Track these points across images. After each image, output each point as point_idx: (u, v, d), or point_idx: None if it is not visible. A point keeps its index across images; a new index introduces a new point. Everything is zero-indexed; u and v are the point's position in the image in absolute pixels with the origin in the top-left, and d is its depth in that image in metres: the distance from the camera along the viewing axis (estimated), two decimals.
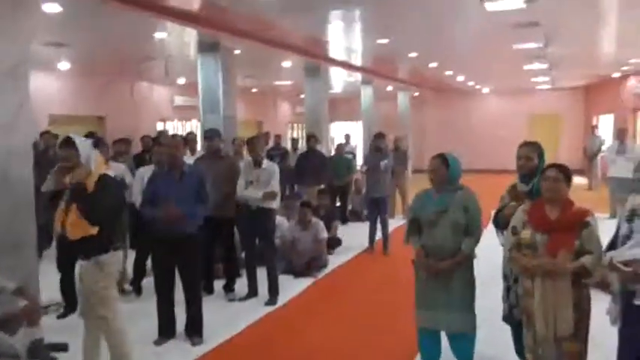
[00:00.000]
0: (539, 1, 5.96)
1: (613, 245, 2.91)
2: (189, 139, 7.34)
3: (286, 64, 11.15)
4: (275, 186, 5.46)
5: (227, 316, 5.18)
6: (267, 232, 5.62)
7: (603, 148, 13.66)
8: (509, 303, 3.56)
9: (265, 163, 5.55)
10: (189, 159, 5.89)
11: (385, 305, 5.52)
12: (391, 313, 5.20)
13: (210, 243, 5.59)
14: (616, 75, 15.35)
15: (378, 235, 7.75)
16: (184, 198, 4.29)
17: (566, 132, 19.29)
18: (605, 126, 17.08)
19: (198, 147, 7.74)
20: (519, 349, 3.46)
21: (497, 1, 6.10)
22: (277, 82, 15.39)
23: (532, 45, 9.30)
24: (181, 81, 13.91)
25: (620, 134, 10.48)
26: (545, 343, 3.05)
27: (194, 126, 14.77)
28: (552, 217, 3.05)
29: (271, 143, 11.19)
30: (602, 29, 8.78)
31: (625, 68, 13.92)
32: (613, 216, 9.30)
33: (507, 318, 3.63)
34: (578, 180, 13.63)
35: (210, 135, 5.82)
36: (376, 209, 7.72)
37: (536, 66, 12.37)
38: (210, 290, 5.79)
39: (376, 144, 7.96)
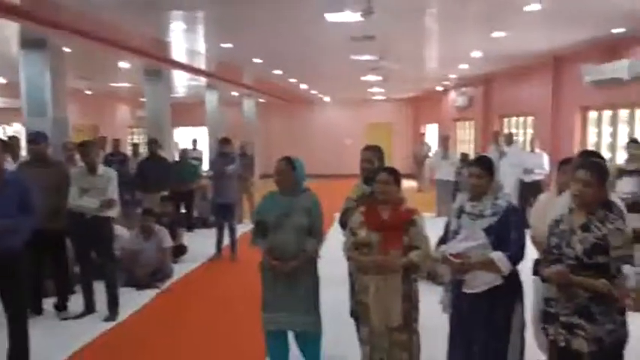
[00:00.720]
0: (373, 16, 6.37)
1: (444, 240, 3.21)
2: (10, 144, 6.57)
3: (124, 65, 10.54)
4: (113, 193, 5.11)
5: (60, 337, 4.72)
6: (105, 243, 5.24)
7: (430, 154, 15.10)
8: (354, 299, 3.74)
9: (101, 169, 5.18)
10: (11, 166, 5.27)
11: (233, 311, 5.46)
12: (239, 319, 5.17)
13: (38, 259, 5.06)
14: (439, 88, 17.06)
15: (226, 241, 7.66)
16: (5, 210, 3.78)
17: (399, 140, 20.93)
18: (432, 134, 18.90)
19: (23, 153, 6.96)
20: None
21: (336, 12, 6.40)
22: (115, 84, 14.48)
23: (368, 57, 9.93)
24: (0, 80, 12.41)
25: (444, 142, 11.70)
26: (379, 334, 3.26)
27: (17, 130, 13.26)
28: (384, 217, 3.28)
29: (109, 148, 10.48)
30: (427, 47, 9.70)
31: (446, 83, 15.54)
32: (439, 215, 10.30)
33: (354, 313, 3.81)
34: (409, 183, 14.88)
35: (34, 139, 5.23)
36: (223, 215, 7.63)
37: (372, 77, 13.23)
38: (38, 311, 5.23)
39: (222, 149, 7.88)
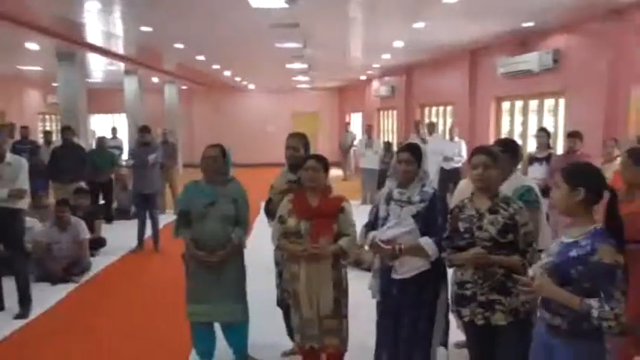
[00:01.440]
0: (298, 2, 6.34)
1: (373, 226, 3.25)
2: None
3: (32, 46, 9.85)
4: (23, 183, 4.79)
5: None
6: (15, 236, 4.90)
7: (355, 142, 15.34)
8: (281, 288, 3.73)
9: (10, 157, 4.83)
10: None
11: (156, 304, 5.31)
12: (163, 312, 5.03)
13: None
14: (363, 78, 17.32)
15: (148, 232, 7.44)
16: None
17: (325, 129, 21.09)
18: (356, 123, 19.19)
19: None
20: (291, 331, 3.65)
21: None
22: (23, 67, 13.52)
23: (292, 45, 9.89)
24: None
25: (368, 131, 11.91)
26: (309, 322, 3.28)
27: None
28: (313, 205, 3.28)
29: (18, 136, 9.82)
30: (351, 36, 9.80)
31: (370, 72, 15.80)
32: (364, 202, 10.51)
33: (280, 303, 3.80)
34: (335, 172, 15.05)
35: None
36: (145, 205, 7.40)
37: (297, 66, 13.20)
38: None
39: (142, 138, 7.61)
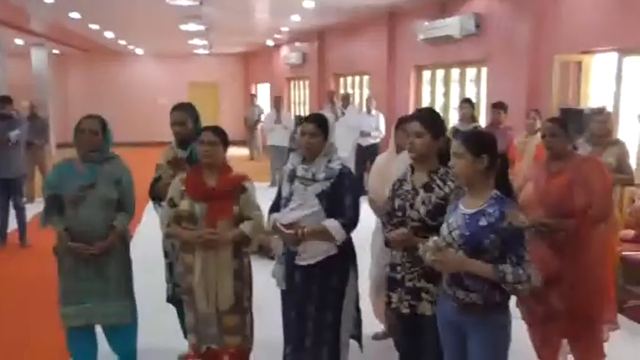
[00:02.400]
0: None
1: (277, 207, 3.23)
2: None
3: None
4: None
5: None
6: None
7: (262, 117, 15.25)
8: (172, 282, 3.64)
9: None
10: None
11: (24, 308, 5.06)
12: (33, 316, 4.79)
13: None
14: (270, 43, 17.20)
15: (13, 225, 7.10)
16: None
17: (227, 101, 20.79)
18: (264, 95, 19.07)
19: None
20: (186, 331, 3.57)
21: None
22: None
23: (187, 2, 9.61)
24: None
25: (276, 103, 11.86)
26: (206, 320, 3.22)
27: None
28: (210, 185, 3.20)
29: None
30: None
31: (278, 37, 15.70)
32: (273, 184, 10.51)
33: (172, 299, 3.72)
34: (240, 151, 14.91)
35: None
36: (7, 193, 7.03)
37: (193, 27, 12.86)
38: None
39: (2, 110, 7.14)
